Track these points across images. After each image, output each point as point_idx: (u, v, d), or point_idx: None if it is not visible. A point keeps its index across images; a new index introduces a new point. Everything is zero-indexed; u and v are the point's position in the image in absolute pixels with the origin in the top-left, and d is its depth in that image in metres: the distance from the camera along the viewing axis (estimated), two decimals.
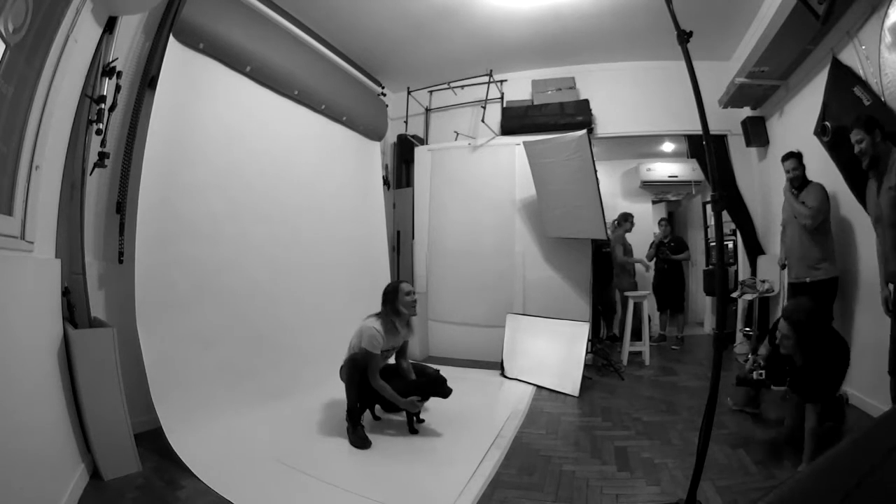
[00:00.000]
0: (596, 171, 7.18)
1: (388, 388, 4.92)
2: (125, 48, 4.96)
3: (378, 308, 5.20)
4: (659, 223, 10.83)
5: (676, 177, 11.65)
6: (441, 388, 5.12)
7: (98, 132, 4.45)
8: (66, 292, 4.12)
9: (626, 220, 10.19)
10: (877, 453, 1.35)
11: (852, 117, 4.83)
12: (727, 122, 8.40)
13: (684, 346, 9.77)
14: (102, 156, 4.57)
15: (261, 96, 6.32)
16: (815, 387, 4.21)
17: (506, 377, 7.46)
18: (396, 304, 5.08)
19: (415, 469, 4.36)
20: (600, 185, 7.36)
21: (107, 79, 4.50)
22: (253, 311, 5.90)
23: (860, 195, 5.24)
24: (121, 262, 4.86)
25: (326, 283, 7.21)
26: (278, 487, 3.95)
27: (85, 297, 4.30)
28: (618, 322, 10.33)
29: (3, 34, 2.81)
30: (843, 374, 4.35)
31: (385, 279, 8.54)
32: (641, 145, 11.43)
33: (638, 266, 10.46)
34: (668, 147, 11.64)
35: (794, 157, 6.09)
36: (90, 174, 4.53)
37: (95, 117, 4.40)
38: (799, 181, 6.05)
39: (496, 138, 9.04)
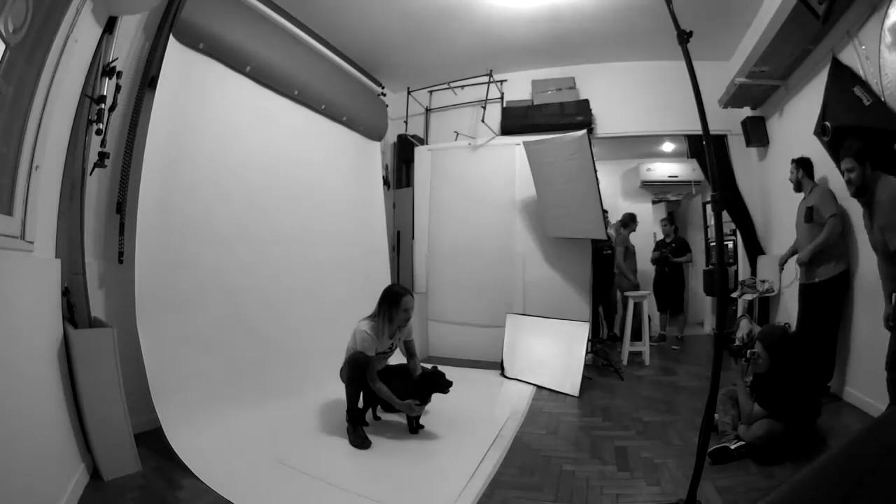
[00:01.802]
0: (596, 171, 7.19)
1: (385, 389, 4.91)
2: (125, 48, 4.96)
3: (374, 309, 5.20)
4: (661, 222, 10.83)
5: (676, 177, 11.67)
6: (439, 383, 5.10)
7: (98, 132, 4.45)
8: (66, 292, 4.12)
9: (632, 220, 10.22)
10: (877, 453, 1.35)
11: (845, 147, 4.83)
12: (727, 122, 8.41)
13: (684, 346, 9.77)
14: (102, 156, 4.57)
15: (261, 96, 6.32)
16: (778, 402, 4.49)
17: (506, 377, 7.46)
18: (393, 311, 5.07)
19: (415, 469, 4.36)
20: (600, 185, 7.37)
21: (107, 79, 4.50)
22: (253, 310, 5.90)
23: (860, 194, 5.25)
24: (121, 262, 4.86)
25: (326, 283, 7.21)
26: (278, 487, 3.95)
27: (85, 297, 4.29)
28: (618, 322, 10.34)
29: (3, 34, 2.81)
30: (809, 395, 4.57)
31: (385, 279, 8.58)
32: (641, 145, 11.44)
33: (639, 266, 10.48)
34: (668, 147, 11.65)
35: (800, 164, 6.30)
36: (90, 174, 4.53)
37: (95, 117, 4.40)
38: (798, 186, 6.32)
39: (496, 138, 9.05)
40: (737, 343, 5.53)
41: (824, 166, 5.90)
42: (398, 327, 5.19)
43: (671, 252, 10.13)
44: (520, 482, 4.09)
